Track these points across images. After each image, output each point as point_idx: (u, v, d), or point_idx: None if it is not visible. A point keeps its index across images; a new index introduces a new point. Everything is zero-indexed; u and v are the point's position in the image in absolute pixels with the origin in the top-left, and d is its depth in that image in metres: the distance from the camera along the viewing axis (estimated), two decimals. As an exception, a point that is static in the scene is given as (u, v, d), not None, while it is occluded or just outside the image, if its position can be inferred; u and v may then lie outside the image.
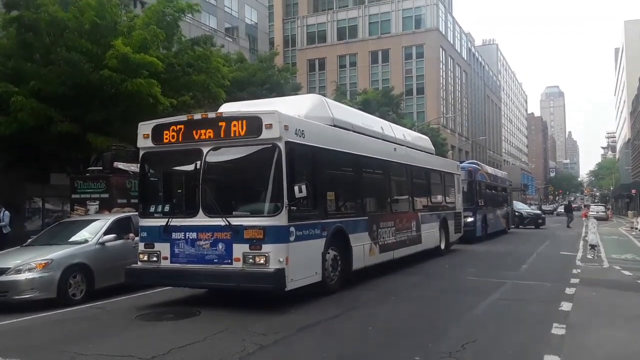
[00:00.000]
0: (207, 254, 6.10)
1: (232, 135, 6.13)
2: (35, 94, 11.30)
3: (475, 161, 21.48)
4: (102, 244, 7.58)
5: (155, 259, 6.38)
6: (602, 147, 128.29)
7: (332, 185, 7.33)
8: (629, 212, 46.58)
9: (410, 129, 34.64)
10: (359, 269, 7.80)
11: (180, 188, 6.96)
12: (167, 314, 6.12)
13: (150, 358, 4.33)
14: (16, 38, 11.95)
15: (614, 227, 27.93)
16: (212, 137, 6.21)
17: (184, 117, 6.64)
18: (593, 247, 12.61)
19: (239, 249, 5.94)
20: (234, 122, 6.12)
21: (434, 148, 13.23)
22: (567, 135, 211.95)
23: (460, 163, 17.20)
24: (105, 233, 7.71)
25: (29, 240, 8.32)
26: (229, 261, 5.98)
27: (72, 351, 4.61)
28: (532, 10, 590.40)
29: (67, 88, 11.58)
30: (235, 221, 5.99)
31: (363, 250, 7.97)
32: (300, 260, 6.20)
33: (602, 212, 40.35)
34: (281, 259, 5.86)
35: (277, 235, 5.92)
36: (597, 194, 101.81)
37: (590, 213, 34.20)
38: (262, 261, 5.84)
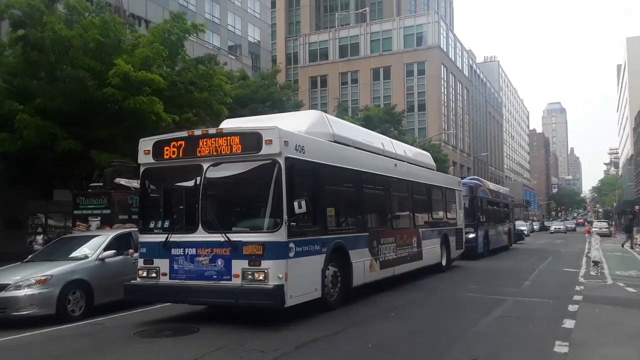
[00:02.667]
0: (206, 270, 6.06)
1: (232, 151, 6.15)
2: (40, 111, 11.48)
3: (477, 177, 21.45)
4: (102, 260, 7.57)
5: (154, 275, 6.35)
6: (605, 164, 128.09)
7: (333, 201, 7.31)
8: (634, 228, 46.11)
9: (411, 145, 34.87)
10: (359, 285, 7.73)
11: (180, 204, 6.92)
12: (166, 331, 6.08)
13: (147, 375, 4.29)
14: (22, 56, 12.22)
15: (618, 244, 27.64)
16: (212, 153, 6.23)
17: (184, 133, 6.67)
18: (596, 263, 12.50)
19: (238, 265, 5.91)
20: (234, 138, 6.15)
21: (435, 164, 13.24)
22: (569, 152, 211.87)
23: (462, 179, 17.14)
24: (106, 249, 7.71)
25: (30, 256, 8.31)
26: (228, 277, 5.94)
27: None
28: (534, 27, 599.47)
29: (72, 105, 11.77)
30: (234, 237, 5.96)
31: (363, 266, 7.90)
32: (300, 277, 6.16)
33: (606, 228, 40.00)
34: (280, 275, 5.82)
35: (276, 251, 5.88)
36: (600, 210, 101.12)
37: (593, 229, 33.92)
38: (261, 277, 5.80)
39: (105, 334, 6.14)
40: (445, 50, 50.87)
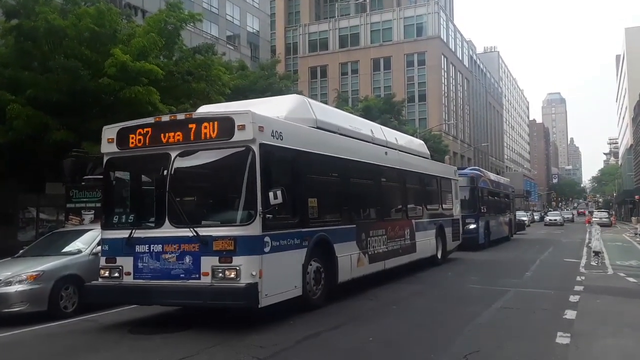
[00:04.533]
0: (174, 269, 5.55)
1: (202, 137, 5.65)
2: (31, 101, 11.30)
3: (478, 167, 21.31)
4: (96, 254, 7.28)
5: (117, 274, 5.82)
6: (605, 153, 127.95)
7: (315, 191, 6.78)
8: (633, 218, 46.22)
9: (412, 135, 34.73)
10: (346, 281, 7.29)
11: (145, 196, 6.39)
12: (161, 327, 5.97)
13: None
14: (15, 46, 12.00)
15: (618, 234, 27.66)
16: (180, 140, 5.73)
17: (151, 120, 6.15)
18: (597, 253, 12.46)
19: (208, 262, 5.40)
20: (205, 124, 5.64)
21: (429, 152, 12.77)
22: (569, 142, 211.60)
23: (462, 169, 17.03)
24: (99, 244, 7.57)
25: (21, 251, 8.13)
26: (197, 276, 5.44)
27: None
28: (533, 17, 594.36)
29: (64, 95, 11.58)
30: (204, 231, 5.47)
31: (350, 260, 7.41)
32: (277, 274, 5.70)
33: (606, 218, 40.00)
34: (254, 273, 5.33)
35: (249, 246, 5.39)
36: (600, 200, 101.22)
37: (593, 219, 33.92)
38: (232, 275, 5.31)
39: (98, 331, 6.04)
40: (445, 40, 50.43)
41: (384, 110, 32.25)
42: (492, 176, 20.82)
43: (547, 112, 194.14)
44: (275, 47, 49.52)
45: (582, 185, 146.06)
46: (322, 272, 6.66)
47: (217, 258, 5.38)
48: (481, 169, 20.86)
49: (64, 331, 6.05)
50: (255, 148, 5.53)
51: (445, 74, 50.18)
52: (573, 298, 7.31)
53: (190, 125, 5.72)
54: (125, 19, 14.43)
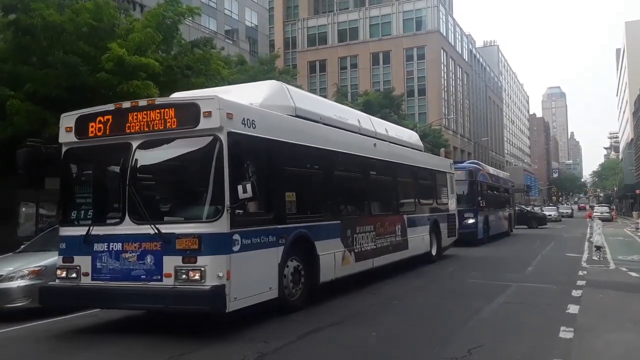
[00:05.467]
0: (134, 269, 5.11)
1: (165, 126, 5.17)
2: (30, 97, 11.23)
3: (476, 161, 20.98)
4: None
5: (74, 275, 5.37)
6: (605, 148, 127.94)
7: (294, 185, 6.30)
8: (634, 212, 46.24)
9: (412, 130, 34.61)
10: (330, 281, 6.84)
11: (106, 190, 5.89)
12: (168, 319, 5.90)
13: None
14: (13, 41, 11.92)
15: (619, 228, 27.68)
16: (143, 128, 5.26)
17: (111, 106, 5.61)
18: (599, 248, 12.44)
19: (171, 263, 4.95)
20: (168, 111, 5.17)
21: (422, 145, 12.26)
22: (569, 136, 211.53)
23: (460, 162, 16.80)
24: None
25: (22, 247, 8.09)
26: (159, 277, 4.99)
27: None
28: (533, 11, 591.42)
29: (63, 90, 11.51)
30: (166, 228, 5.02)
31: (334, 259, 6.93)
32: (248, 275, 5.26)
33: (607, 212, 40.00)
34: (221, 274, 4.86)
35: (215, 244, 4.92)
36: (601, 194, 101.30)
37: (594, 214, 33.92)
38: (196, 277, 4.84)
39: (101, 325, 6.02)
40: (444, 34, 50.21)
41: (383, 105, 32.17)
42: (491, 170, 20.55)
43: (547, 107, 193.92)
44: (273, 41, 49.25)
45: (582, 179, 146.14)
46: (302, 272, 6.22)
47: (181, 258, 4.92)
48: (480, 162, 20.57)
49: (67, 326, 5.97)
50: (223, 137, 5.05)
51: (445, 68, 50.01)
52: (575, 293, 7.29)
53: (152, 113, 5.23)
54: (123, 13, 14.32)
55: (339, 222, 7.21)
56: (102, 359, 4.75)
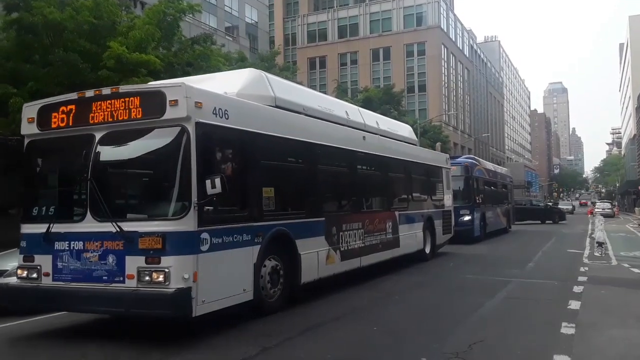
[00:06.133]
0: (96, 270, 4.78)
1: (130, 116, 4.82)
2: (33, 95, 11.26)
3: (473, 156, 20.63)
4: None
5: (35, 275, 5.05)
6: (607, 143, 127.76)
7: (272, 179, 5.93)
8: (636, 208, 46.20)
9: (412, 126, 34.49)
10: (312, 281, 6.50)
11: (67, 185, 5.51)
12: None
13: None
14: (16, 40, 11.96)
15: (621, 224, 27.65)
16: (106, 119, 4.93)
17: (74, 95, 5.27)
18: (600, 244, 12.43)
19: (133, 263, 4.61)
20: (133, 100, 4.82)
21: (416, 138, 11.79)
22: (571, 132, 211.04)
23: (456, 158, 16.37)
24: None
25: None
26: (121, 279, 4.66)
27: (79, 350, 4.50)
28: (534, 5, 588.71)
29: (64, 88, 11.52)
30: (128, 226, 4.68)
31: (317, 258, 6.59)
32: (218, 276, 4.89)
33: (609, 209, 39.91)
34: (186, 276, 4.51)
35: (181, 244, 4.57)
36: (603, 190, 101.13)
37: (596, 210, 33.90)
38: (160, 279, 4.50)
39: (105, 321, 6.01)
40: (445, 30, 50.00)
41: (384, 101, 32.11)
42: (489, 165, 20.17)
43: (548, 102, 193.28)
44: (274, 38, 49.12)
45: (584, 175, 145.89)
46: (281, 272, 5.90)
47: (144, 258, 4.58)
48: (477, 157, 20.05)
49: (73, 319, 5.88)
50: (190, 128, 4.68)
51: (446, 64, 49.84)
52: (577, 289, 7.30)
53: (117, 102, 4.89)
54: (124, 10, 14.31)
55: (323, 219, 6.84)
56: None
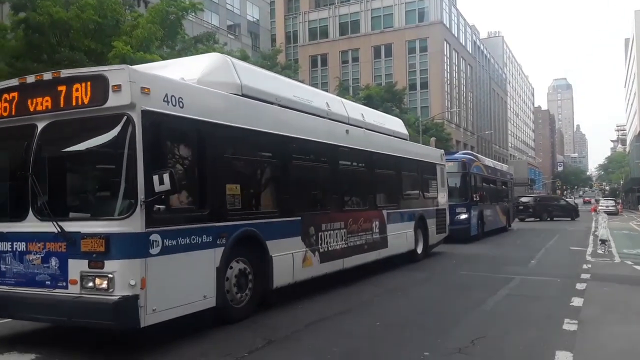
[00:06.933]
0: (39, 274, 4.35)
1: (72, 103, 4.34)
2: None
3: (471, 152, 19.68)
4: None
5: None
6: (612, 141, 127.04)
7: (239, 175, 5.53)
8: None
9: (413, 124, 34.39)
10: (287, 284, 6.07)
11: (10, 181, 5.03)
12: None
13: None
14: (24, 39, 12.09)
15: (625, 222, 27.54)
16: (49, 107, 4.46)
17: (15, 81, 4.81)
18: (604, 242, 12.43)
19: (76, 267, 4.20)
20: (77, 86, 4.32)
21: (407, 133, 11.18)
22: (575, 129, 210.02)
23: (452, 153, 15.79)
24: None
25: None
26: (64, 284, 4.24)
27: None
28: (538, 0, 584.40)
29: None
30: (71, 227, 4.24)
31: (292, 260, 6.12)
32: (172, 282, 4.44)
33: (612, 206, 39.75)
34: (133, 282, 4.07)
35: (126, 246, 4.13)
36: (607, 188, 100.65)
37: (600, 207, 33.76)
38: (103, 285, 4.09)
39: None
40: (448, 26, 49.80)
41: (385, 99, 32.07)
42: (488, 162, 19.41)
43: (552, 99, 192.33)
44: (275, 35, 49.13)
45: (588, 173, 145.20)
46: (250, 276, 5.48)
47: (87, 262, 4.16)
48: (475, 153, 19.33)
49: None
50: (136, 116, 4.19)
51: (448, 60, 49.67)
52: (580, 286, 7.31)
53: (59, 88, 4.40)
54: (128, 9, 14.40)
55: (299, 218, 6.35)
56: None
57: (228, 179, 5.27)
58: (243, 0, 37.40)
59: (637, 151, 63.24)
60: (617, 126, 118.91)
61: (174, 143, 4.77)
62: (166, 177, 4.15)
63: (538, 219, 27.93)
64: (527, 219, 27.96)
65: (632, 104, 74.80)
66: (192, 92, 4.97)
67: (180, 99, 4.67)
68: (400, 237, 9.24)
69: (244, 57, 23.71)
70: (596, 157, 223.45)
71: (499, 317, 5.70)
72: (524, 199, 31.13)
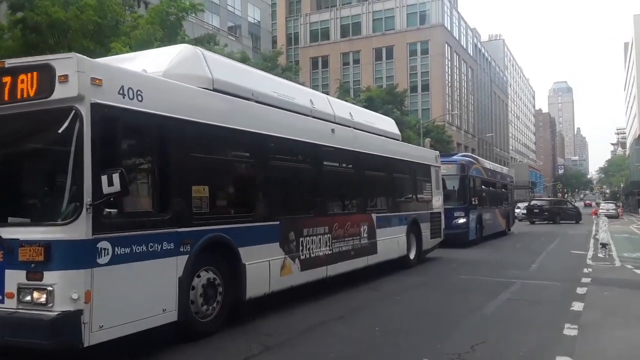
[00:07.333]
0: None
1: (18, 96, 3.92)
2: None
3: (470, 154, 19.28)
4: None
5: None
6: (612, 144, 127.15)
7: (207, 176, 5.03)
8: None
9: (414, 126, 34.33)
10: (263, 295, 5.61)
11: None
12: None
13: None
14: (22, 39, 12.04)
15: (625, 225, 27.47)
16: None
17: None
18: (604, 245, 12.38)
19: (13, 278, 3.74)
20: (22, 77, 3.91)
21: (399, 133, 10.68)
22: (575, 132, 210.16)
23: (450, 155, 15.51)
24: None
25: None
26: (0, 298, 3.81)
27: None
28: (539, 4, 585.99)
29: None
30: (10, 233, 3.79)
31: (269, 268, 5.65)
32: (124, 294, 3.97)
33: (613, 209, 39.70)
34: (75, 296, 3.63)
35: (69, 255, 3.69)
36: (607, 191, 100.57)
37: (600, 211, 33.68)
38: (42, 299, 3.63)
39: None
40: (449, 28, 49.87)
41: (386, 101, 32.08)
42: (487, 164, 18.71)
43: (553, 102, 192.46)
44: (276, 37, 49.20)
45: (588, 176, 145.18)
46: (220, 287, 4.98)
47: (25, 273, 3.70)
48: (474, 155, 19.05)
49: None
50: (84, 110, 3.78)
51: (449, 63, 49.71)
52: (580, 290, 7.27)
53: (4, 79, 3.98)
54: (128, 10, 14.40)
55: (278, 223, 5.88)
56: None
57: (195, 180, 4.79)
58: (244, 2, 37.46)
59: (637, 154, 63.20)
60: (617, 129, 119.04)
61: (130, 140, 4.28)
62: (116, 177, 3.70)
63: (552, 222, 28.27)
64: (541, 222, 28.28)
65: (631, 108, 74.81)
66: (153, 85, 4.53)
67: (139, 92, 4.23)
68: (391, 242, 8.81)
69: (245, 59, 23.74)
70: (597, 160, 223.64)
71: (499, 321, 5.65)
72: (538, 202, 31.64)
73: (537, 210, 28.91)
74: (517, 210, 31.54)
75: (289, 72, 26.42)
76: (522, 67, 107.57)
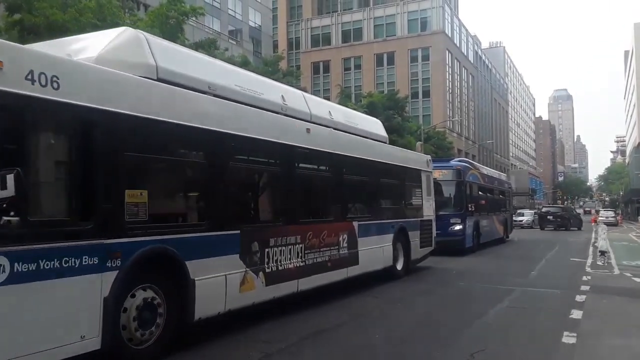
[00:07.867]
0: None
1: None
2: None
3: (467, 159, 18.73)
4: None
5: None
6: (612, 151, 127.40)
7: (146, 178, 4.46)
8: (639, 217, 45.85)
9: (415, 132, 34.30)
10: (218, 314, 4.92)
11: None
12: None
13: None
14: (19, 41, 12.02)
15: (624, 233, 27.42)
16: None
17: None
18: (603, 253, 12.33)
19: None
20: None
21: (386, 135, 9.90)
22: (575, 139, 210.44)
23: (446, 160, 15.23)
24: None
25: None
26: None
27: None
28: (540, 11, 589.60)
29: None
30: None
31: (225, 284, 4.94)
32: (27, 320, 3.34)
33: (612, 217, 39.67)
34: None
35: None
36: (607, 199, 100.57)
37: (599, 218, 33.65)
38: None
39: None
40: (450, 35, 50.08)
41: (387, 107, 32.12)
42: (485, 170, 18.31)
43: (553, 109, 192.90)
44: (277, 42, 49.38)
45: (588, 183, 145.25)
46: (161, 308, 4.30)
47: None
48: (471, 161, 18.64)
49: None
50: None
51: (450, 69, 49.87)
52: (579, 298, 7.24)
53: None
54: (127, 12, 14.42)
55: (238, 232, 5.21)
56: None
57: (130, 184, 4.14)
58: (245, 6, 37.64)
59: (636, 162, 63.25)
60: (617, 137, 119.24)
61: (41, 135, 3.65)
62: (10, 179, 3.12)
63: (563, 228, 28.78)
64: (551, 229, 28.62)
65: (631, 116, 74.98)
66: (74, 71, 3.84)
67: (55, 79, 3.59)
68: (375, 252, 8.09)
69: (245, 63, 23.82)
70: (596, 167, 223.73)
71: (499, 329, 5.61)
72: (552, 209, 32.73)
73: (550, 217, 29.52)
74: (523, 218, 32.05)
75: (290, 76, 26.45)
76: (523, 74, 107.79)
